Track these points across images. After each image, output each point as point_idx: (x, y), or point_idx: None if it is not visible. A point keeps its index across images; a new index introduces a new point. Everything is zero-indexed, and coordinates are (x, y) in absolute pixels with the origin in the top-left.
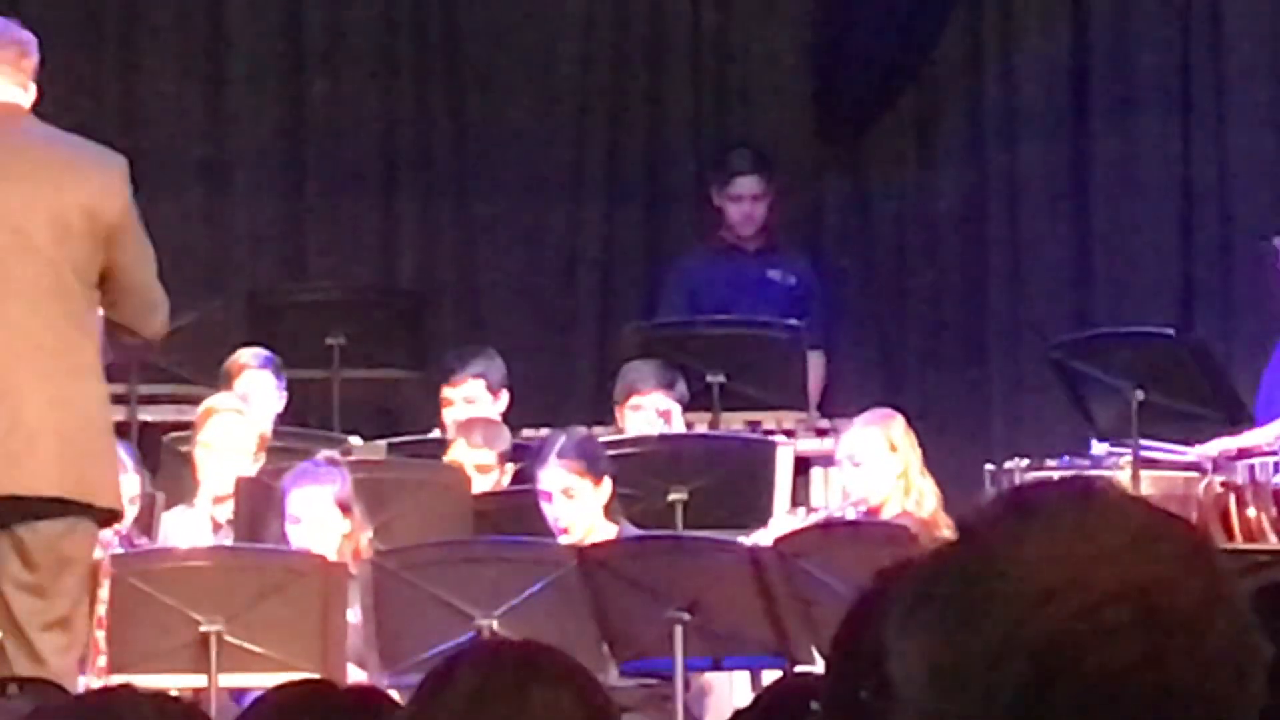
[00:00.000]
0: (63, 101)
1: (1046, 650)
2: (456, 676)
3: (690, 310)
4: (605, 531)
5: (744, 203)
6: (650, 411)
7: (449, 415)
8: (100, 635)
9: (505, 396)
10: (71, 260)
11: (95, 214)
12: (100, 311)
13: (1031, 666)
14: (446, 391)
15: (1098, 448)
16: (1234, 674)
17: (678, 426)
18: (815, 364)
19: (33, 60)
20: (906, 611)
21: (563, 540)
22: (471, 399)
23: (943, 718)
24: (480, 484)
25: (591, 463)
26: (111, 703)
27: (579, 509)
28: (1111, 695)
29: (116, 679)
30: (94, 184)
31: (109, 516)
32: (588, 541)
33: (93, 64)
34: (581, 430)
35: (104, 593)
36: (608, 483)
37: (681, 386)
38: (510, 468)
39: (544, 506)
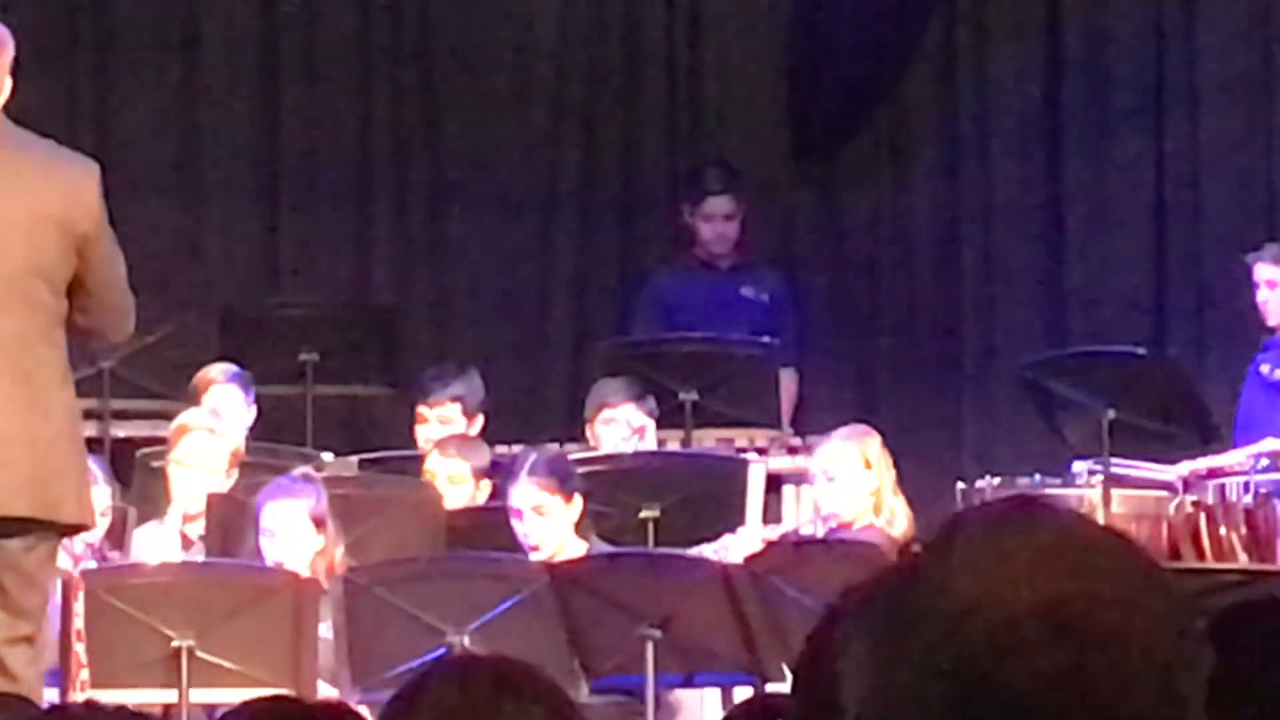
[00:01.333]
0: (36, 113)
1: (965, 668)
2: (429, 693)
3: (663, 327)
4: (576, 549)
5: (716, 222)
6: (622, 425)
7: (422, 432)
8: (80, 648)
9: (481, 420)
10: (44, 267)
11: (69, 221)
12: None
13: (952, 685)
14: (422, 409)
15: (1078, 466)
16: (1159, 688)
17: (650, 441)
18: (788, 381)
19: (4, 56)
20: (847, 633)
21: (533, 558)
22: (447, 420)
23: None
24: (453, 496)
25: (563, 480)
26: (76, 718)
27: (550, 526)
28: (1031, 711)
29: (87, 694)
30: (68, 190)
31: (74, 528)
32: (559, 559)
33: (67, 76)
34: (553, 448)
35: (79, 606)
36: (579, 500)
37: (651, 402)
38: (486, 484)
39: (515, 524)
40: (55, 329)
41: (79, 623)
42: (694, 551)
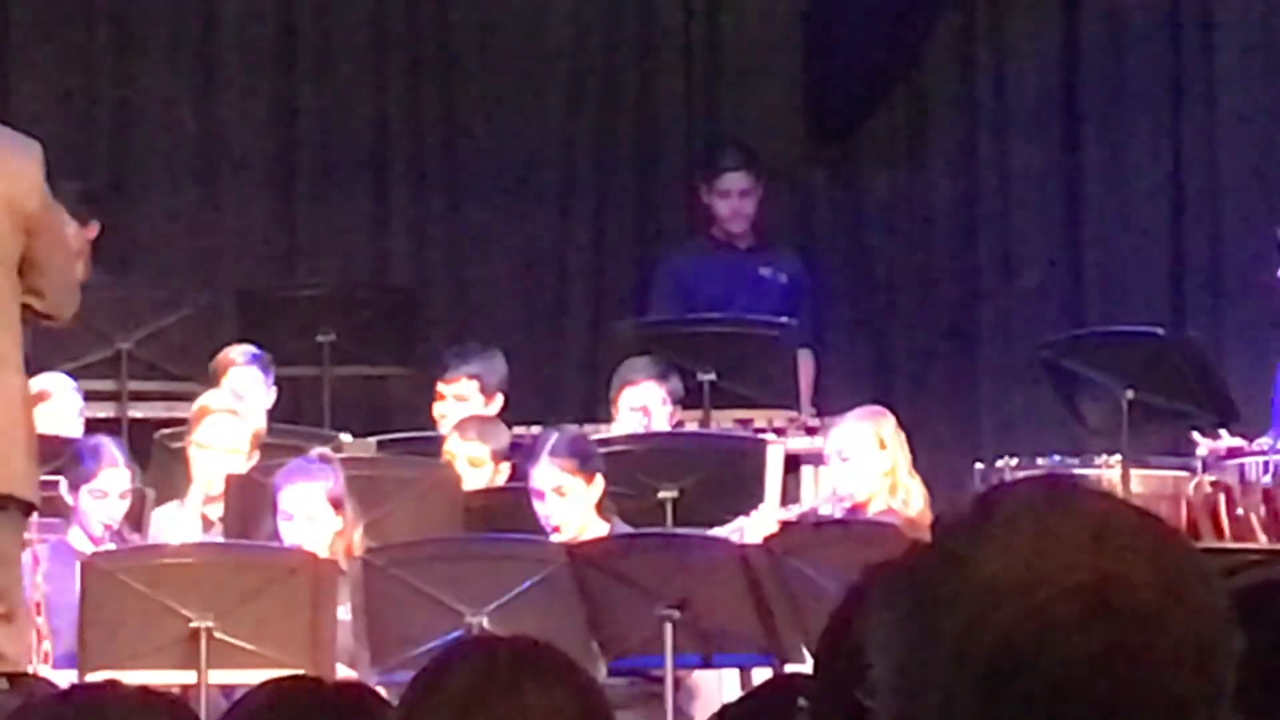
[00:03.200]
0: (55, 97)
1: (1000, 649)
2: (452, 672)
3: (681, 308)
4: (598, 529)
5: (733, 198)
6: (646, 403)
7: (439, 409)
8: (41, 621)
9: (499, 400)
10: None
11: (15, 202)
12: None
13: (986, 666)
14: (440, 386)
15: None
16: (1196, 668)
17: (659, 420)
18: (806, 362)
19: None
20: (875, 613)
21: (555, 539)
22: (463, 397)
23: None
24: (472, 479)
25: (584, 461)
26: (98, 698)
27: (571, 507)
28: (1067, 692)
29: (106, 674)
30: (12, 172)
31: (30, 507)
32: (581, 539)
33: (85, 60)
34: (573, 428)
35: (40, 579)
36: (600, 480)
37: (675, 380)
38: (506, 466)
39: (536, 505)
40: (11, 308)
41: (39, 594)
42: (712, 532)
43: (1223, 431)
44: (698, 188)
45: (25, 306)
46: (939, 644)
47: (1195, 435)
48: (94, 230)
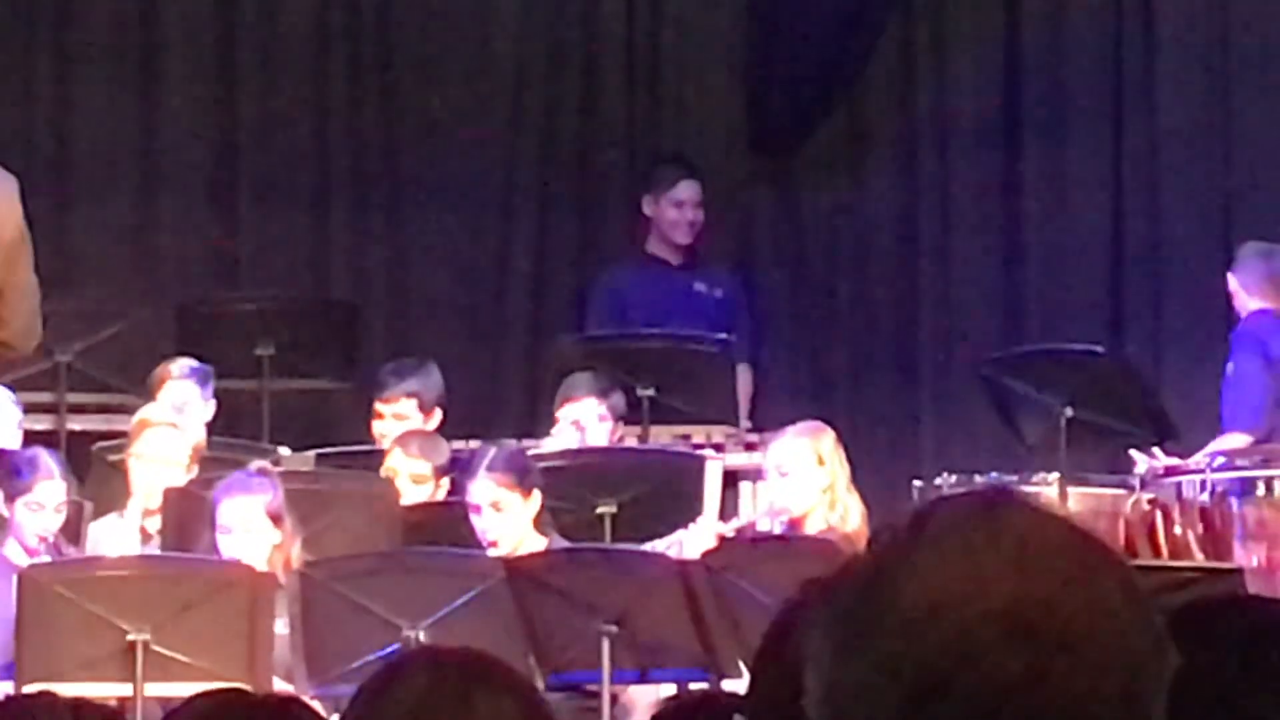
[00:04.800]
0: None
1: (923, 671)
2: (400, 683)
3: (619, 323)
4: (535, 544)
5: (686, 208)
6: (581, 418)
7: (378, 428)
8: None
9: (438, 415)
10: None
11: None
12: None
13: (909, 687)
14: (378, 405)
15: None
16: (1121, 691)
17: (594, 436)
18: (744, 377)
19: None
20: (810, 630)
21: (492, 553)
22: (402, 415)
23: None
24: (413, 495)
25: (521, 476)
26: (31, 709)
27: (508, 522)
28: (990, 714)
29: (42, 686)
30: None
31: None
32: (518, 554)
33: (25, 73)
34: (511, 443)
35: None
36: (537, 495)
37: (617, 397)
38: (446, 482)
39: (474, 519)
40: None
41: None
42: (649, 547)
43: (1157, 450)
44: (642, 200)
45: None
46: (865, 663)
47: (1133, 453)
48: None
